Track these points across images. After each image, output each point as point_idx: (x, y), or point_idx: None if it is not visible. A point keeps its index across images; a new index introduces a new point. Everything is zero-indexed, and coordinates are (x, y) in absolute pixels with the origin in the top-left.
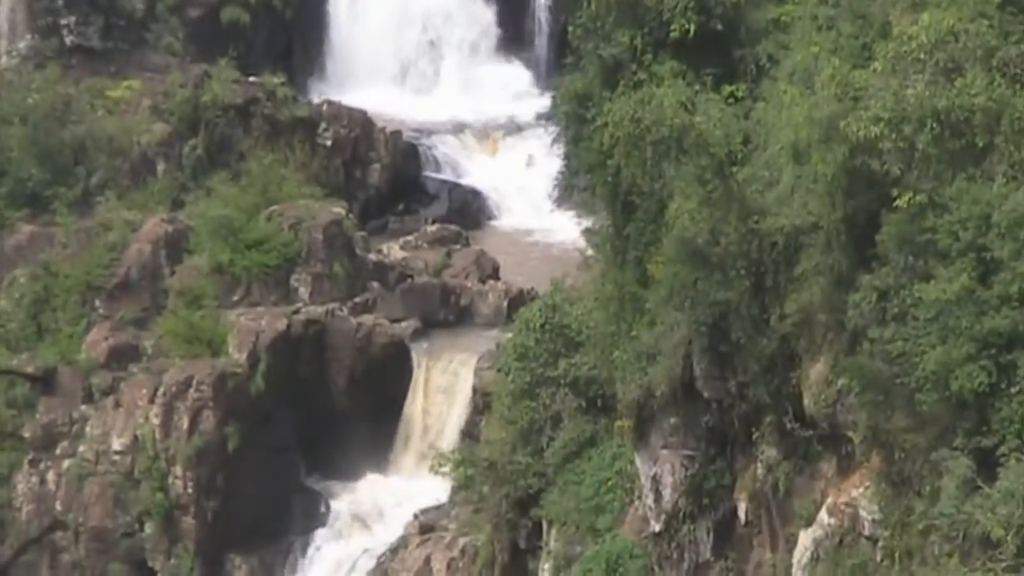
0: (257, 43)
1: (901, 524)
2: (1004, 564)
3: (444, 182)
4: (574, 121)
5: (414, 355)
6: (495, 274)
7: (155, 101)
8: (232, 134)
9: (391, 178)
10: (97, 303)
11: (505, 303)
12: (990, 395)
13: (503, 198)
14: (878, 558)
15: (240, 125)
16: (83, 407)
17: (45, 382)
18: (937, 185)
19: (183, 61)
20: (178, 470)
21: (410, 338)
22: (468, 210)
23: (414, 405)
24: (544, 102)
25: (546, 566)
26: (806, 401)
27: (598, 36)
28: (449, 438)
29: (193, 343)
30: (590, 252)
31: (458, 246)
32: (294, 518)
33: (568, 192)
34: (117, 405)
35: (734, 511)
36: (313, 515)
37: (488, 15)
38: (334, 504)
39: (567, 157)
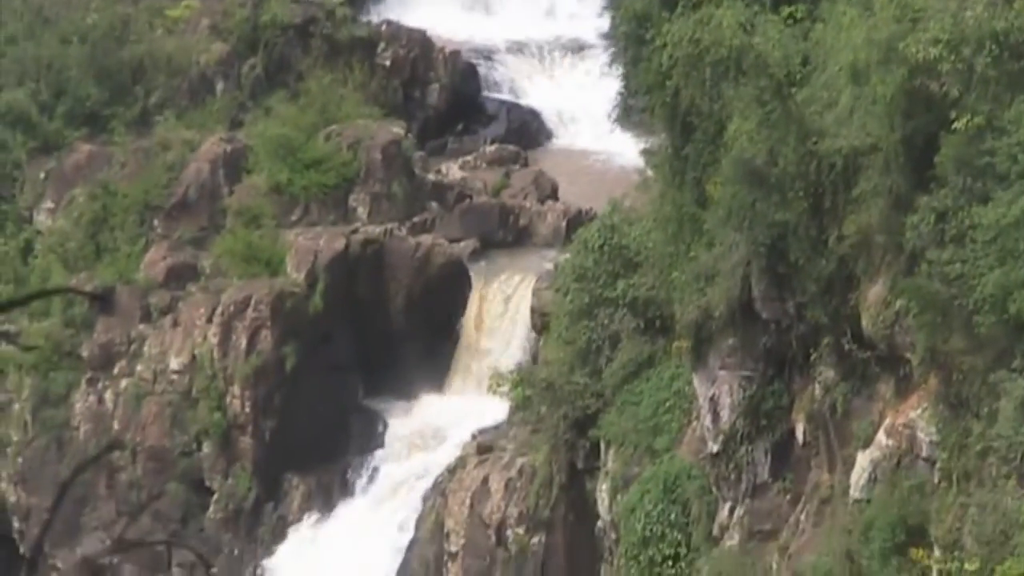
0: None
1: (959, 446)
2: None
3: (503, 102)
4: (633, 42)
5: (472, 275)
6: (554, 194)
7: (214, 20)
8: (291, 54)
9: (450, 98)
10: (155, 223)
11: (563, 224)
12: None
13: (562, 118)
14: (935, 480)
15: (299, 45)
16: (141, 326)
17: (103, 301)
18: (995, 108)
19: None
20: (236, 390)
21: (468, 258)
22: (527, 130)
23: (472, 325)
24: (604, 22)
25: (604, 487)
26: (864, 322)
27: None
28: (507, 358)
29: (251, 263)
30: (649, 173)
31: (517, 166)
32: (352, 438)
33: (627, 113)
34: (175, 324)
35: (792, 432)
36: (371, 435)
37: None
38: (392, 424)
39: (626, 78)
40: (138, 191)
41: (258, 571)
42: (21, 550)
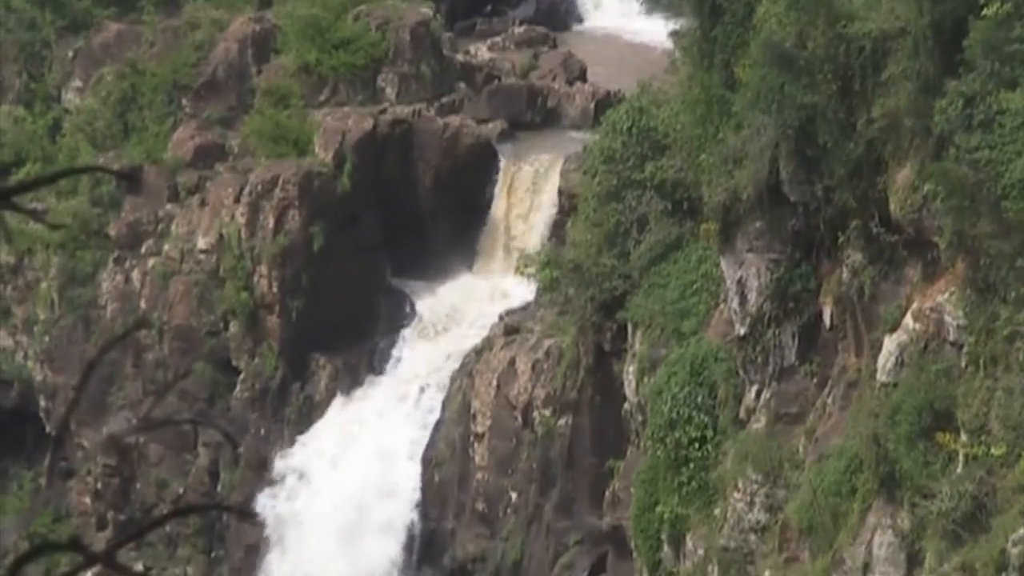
0: None
1: (986, 330)
2: None
3: None
4: None
5: (500, 157)
6: (582, 76)
7: None
8: None
9: None
10: (184, 102)
11: (592, 105)
12: None
13: (591, 0)
14: (962, 364)
15: None
16: (168, 206)
17: (131, 180)
18: None
19: None
20: (263, 269)
21: (496, 139)
22: (556, 12)
23: (500, 206)
24: None
25: (631, 368)
26: (892, 206)
27: None
28: (534, 240)
29: (279, 142)
30: (677, 55)
31: (545, 48)
32: (379, 319)
33: None
34: (203, 204)
35: (819, 315)
36: (398, 316)
37: None
38: (419, 305)
39: None
40: (166, 70)
41: (284, 450)
42: (47, 428)
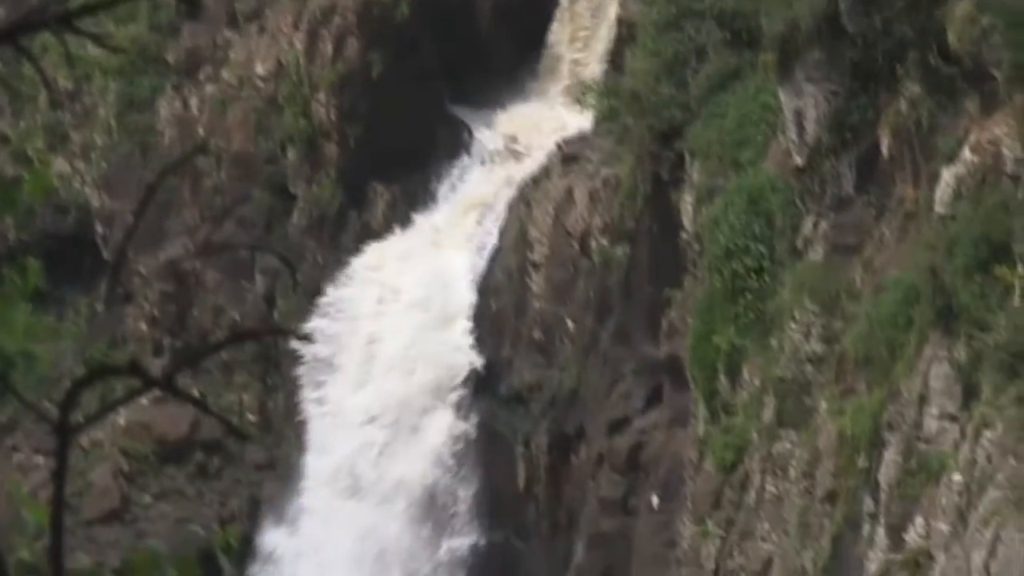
0: None
1: None
2: None
3: None
4: None
5: None
6: None
7: None
8: None
9: None
10: None
11: None
12: None
13: None
14: (1020, 197)
15: None
16: (227, 32)
17: (190, 5)
18: None
19: None
20: (321, 96)
21: None
22: None
23: (558, 34)
24: None
25: (688, 198)
26: (951, 38)
27: None
28: (593, 68)
29: None
30: None
31: None
32: (437, 147)
33: None
34: (261, 31)
35: (877, 147)
36: (455, 144)
37: None
38: (477, 133)
39: None
40: None
41: (341, 276)
42: (104, 255)
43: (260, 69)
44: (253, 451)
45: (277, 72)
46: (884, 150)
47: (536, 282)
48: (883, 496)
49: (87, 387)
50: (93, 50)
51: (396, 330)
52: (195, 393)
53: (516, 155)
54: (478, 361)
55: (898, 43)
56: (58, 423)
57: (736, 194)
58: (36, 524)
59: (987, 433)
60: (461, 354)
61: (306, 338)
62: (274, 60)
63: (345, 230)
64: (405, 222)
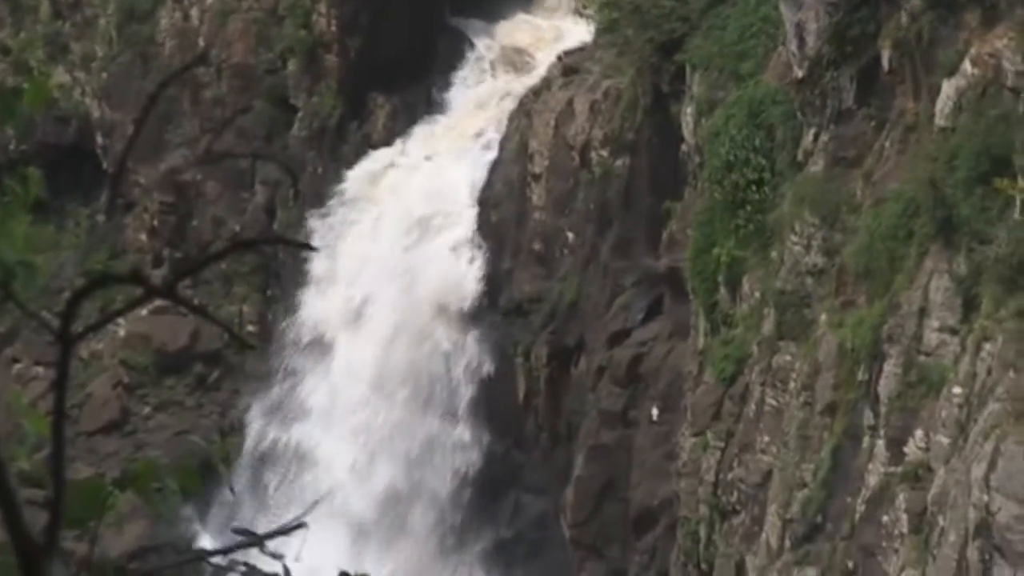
0: None
1: None
2: None
3: None
4: None
5: None
6: None
7: None
8: None
9: None
10: None
11: None
12: None
13: None
14: (1020, 110)
15: None
16: None
17: None
18: None
19: None
20: (322, 7)
21: None
22: None
23: None
24: None
25: (688, 110)
26: None
27: None
28: None
29: None
30: None
31: None
32: (437, 58)
33: None
34: None
35: (877, 59)
36: (456, 55)
37: None
38: (478, 44)
39: None
40: None
41: (339, 186)
42: (104, 166)
43: None
44: (253, 362)
45: None
46: (885, 63)
47: (536, 193)
48: (883, 409)
49: (89, 295)
50: None
51: (393, 241)
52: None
53: (516, 67)
54: (478, 272)
55: None
56: (60, 331)
57: (737, 106)
58: (36, 434)
59: (987, 346)
60: (461, 264)
61: (307, 246)
62: None
63: (345, 141)
64: (405, 133)
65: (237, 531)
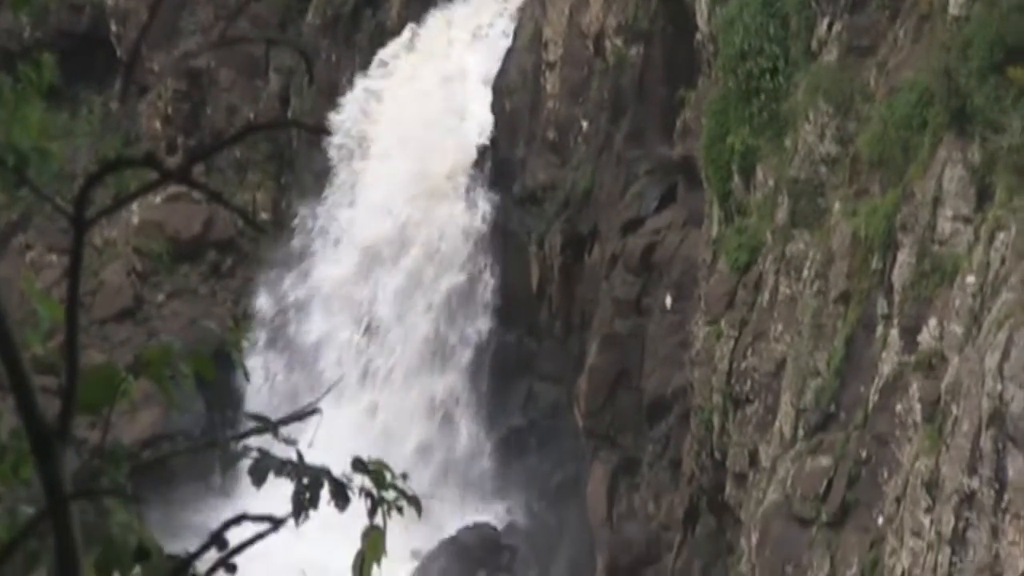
0: None
1: None
2: None
3: None
4: None
5: None
6: None
7: None
8: None
9: None
10: None
11: None
12: None
13: None
14: None
15: None
16: None
17: None
18: None
19: None
20: None
21: None
22: None
23: None
24: None
25: None
26: None
27: None
28: None
29: None
30: None
31: None
32: None
33: None
34: None
35: None
36: None
37: None
38: None
39: None
40: None
41: (354, 78)
42: (118, 53)
43: None
44: (266, 249)
45: None
46: None
47: (550, 82)
48: (896, 297)
49: (102, 179)
50: None
51: (412, 122)
52: None
53: None
54: (493, 159)
55: None
56: (73, 215)
57: None
58: (50, 320)
59: (1000, 235)
60: (477, 147)
61: (323, 130)
62: None
63: (359, 29)
64: (419, 21)
65: (250, 416)
